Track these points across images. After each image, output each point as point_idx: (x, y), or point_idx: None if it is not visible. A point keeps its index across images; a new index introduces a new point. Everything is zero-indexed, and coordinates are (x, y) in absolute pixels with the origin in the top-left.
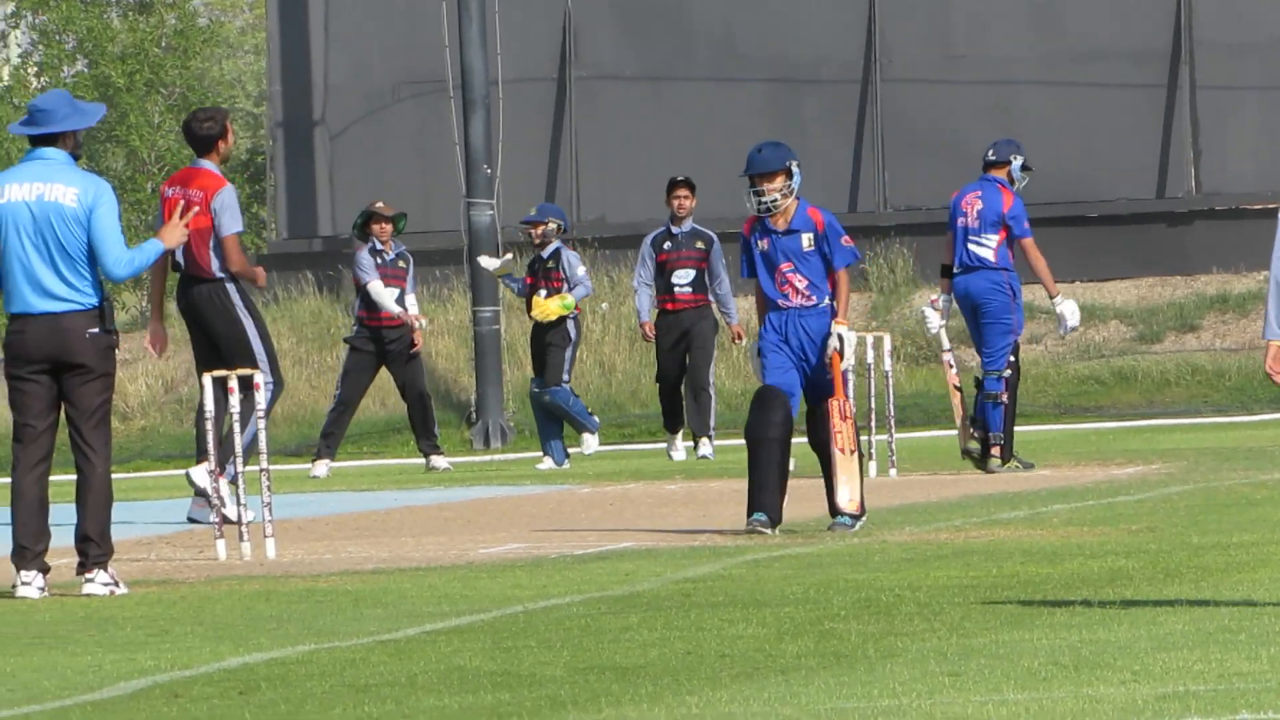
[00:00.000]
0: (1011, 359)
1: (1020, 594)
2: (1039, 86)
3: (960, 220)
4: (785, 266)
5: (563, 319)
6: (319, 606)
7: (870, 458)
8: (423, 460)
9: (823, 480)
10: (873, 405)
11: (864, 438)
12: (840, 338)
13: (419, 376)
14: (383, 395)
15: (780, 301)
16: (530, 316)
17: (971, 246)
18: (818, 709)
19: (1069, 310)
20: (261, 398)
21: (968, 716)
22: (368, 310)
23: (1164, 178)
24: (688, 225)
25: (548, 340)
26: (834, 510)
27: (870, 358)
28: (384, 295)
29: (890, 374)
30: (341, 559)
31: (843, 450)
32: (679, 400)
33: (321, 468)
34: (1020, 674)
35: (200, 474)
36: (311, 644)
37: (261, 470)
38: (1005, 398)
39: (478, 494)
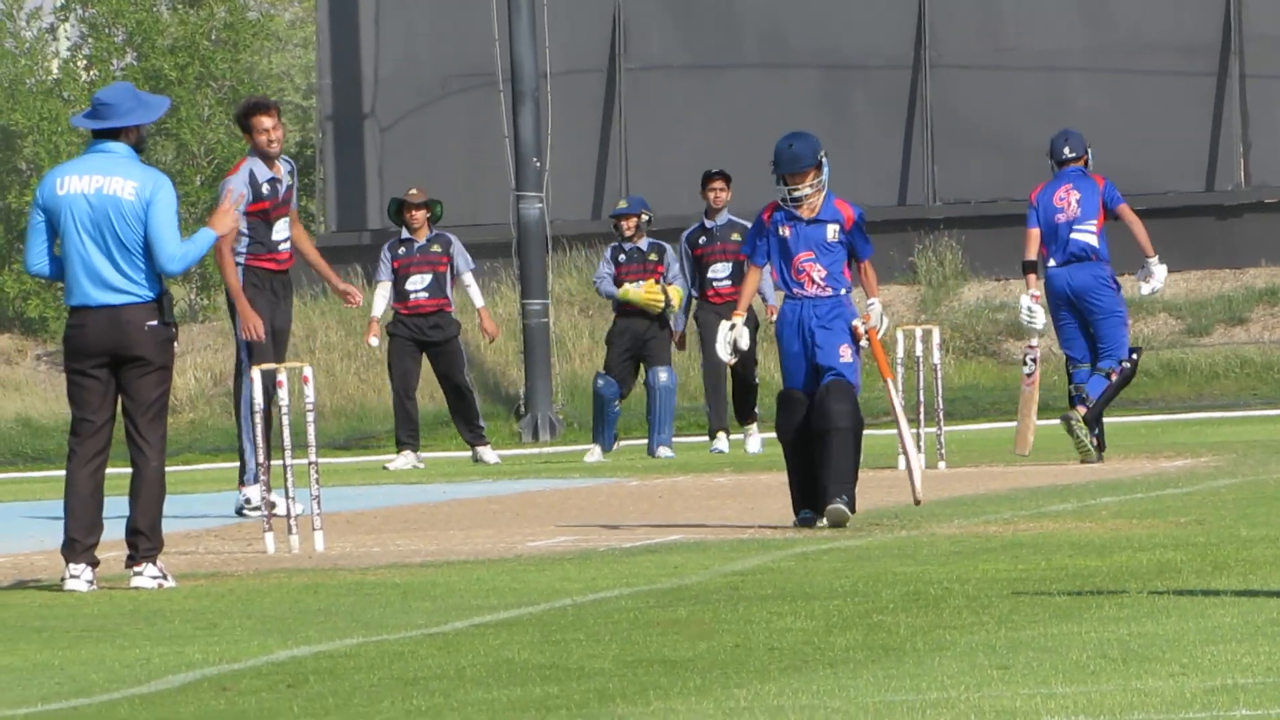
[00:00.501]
0: (1133, 353)
1: (1069, 587)
2: (1088, 79)
3: (1059, 216)
4: (804, 256)
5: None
6: (367, 600)
7: (919, 450)
8: (469, 452)
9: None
10: (921, 398)
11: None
12: (878, 314)
13: (453, 368)
14: (431, 388)
15: (795, 290)
16: (628, 305)
17: (1076, 236)
18: (866, 702)
19: (1160, 273)
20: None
21: (1016, 710)
22: (398, 299)
23: (1213, 170)
24: (723, 218)
25: (648, 334)
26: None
27: (919, 350)
28: (378, 300)
29: (939, 367)
30: (390, 552)
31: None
32: (723, 395)
33: (400, 459)
34: (1069, 667)
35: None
36: (360, 637)
37: (310, 464)
38: (1115, 375)
39: (526, 487)
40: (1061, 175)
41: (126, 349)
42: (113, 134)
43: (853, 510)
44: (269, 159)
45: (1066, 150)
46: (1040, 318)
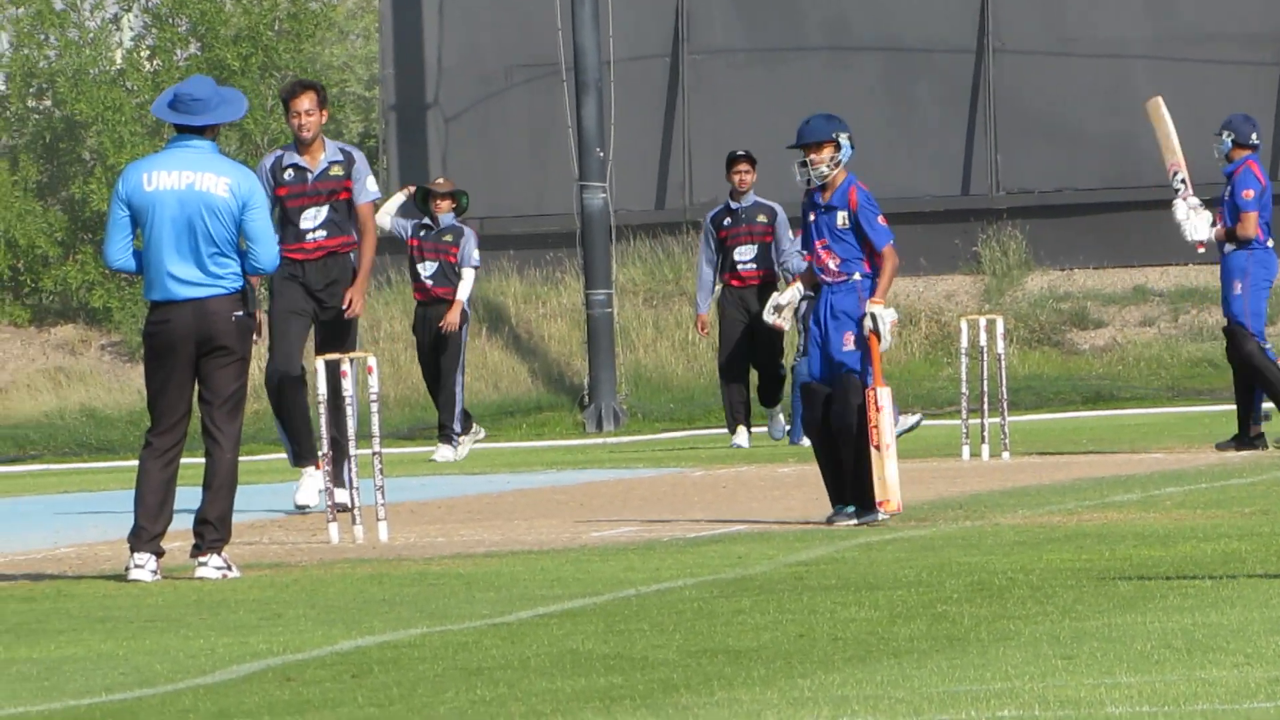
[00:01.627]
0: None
1: (1133, 577)
2: (1151, 68)
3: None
4: (820, 243)
5: None
6: (431, 590)
7: (983, 441)
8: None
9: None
10: (985, 388)
11: (974, 421)
12: (874, 317)
13: (446, 361)
14: (495, 378)
15: (820, 276)
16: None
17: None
18: (930, 692)
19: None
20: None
21: (1080, 699)
22: (416, 285)
23: (1277, 159)
24: (749, 200)
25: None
26: (855, 500)
27: (983, 340)
28: (393, 201)
29: (1003, 357)
30: (454, 542)
31: (877, 447)
32: (745, 386)
33: (439, 452)
34: (1133, 657)
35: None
36: (424, 627)
37: (374, 454)
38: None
39: (590, 477)
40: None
41: (212, 339)
42: (197, 129)
43: (869, 508)
44: (300, 144)
45: (1254, 137)
46: (1201, 229)
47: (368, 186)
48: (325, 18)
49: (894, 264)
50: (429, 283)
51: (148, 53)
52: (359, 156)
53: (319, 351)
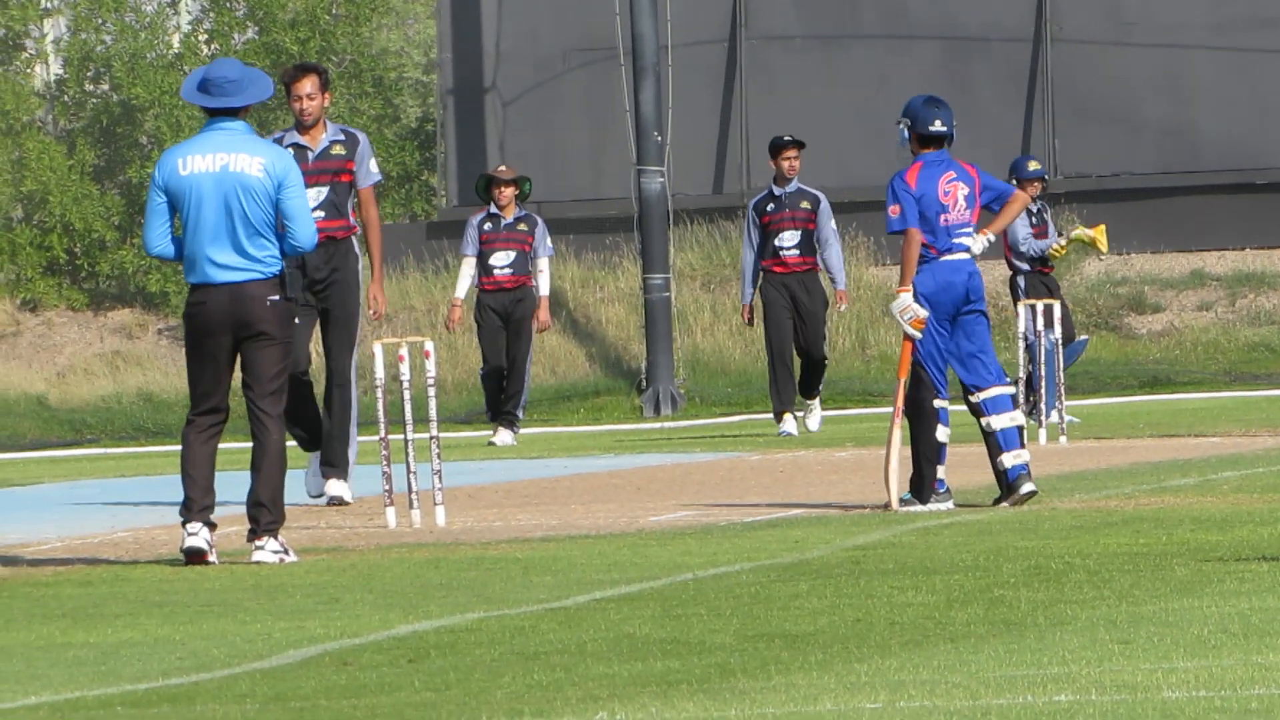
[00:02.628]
0: None
1: (1190, 561)
2: (1209, 54)
3: None
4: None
5: None
6: (488, 574)
7: (1040, 425)
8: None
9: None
10: (1041, 372)
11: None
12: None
13: (519, 350)
14: (553, 363)
15: (959, 252)
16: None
17: None
18: (987, 677)
19: None
20: None
21: (1137, 684)
22: (483, 273)
23: None
24: (793, 185)
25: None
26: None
27: (1040, 325)
28: (464, 278)
29: (1059, 341)
30: (511, 526)
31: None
32: (790, 373)
33: (495, 435)
34: (1190, 641)
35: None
36: (481, 612)
37: (431, 438)
38: None
39: (647, 461)
40: None
41: (249, 324)
42: (230, 110)
43: (923, 500)
44: (301, 128)
45: None
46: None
47: (370, 169)
48: (383, 2)
49: (905, 250)
50: (507, 272)
51: (205, 36)
52: (363, 138)
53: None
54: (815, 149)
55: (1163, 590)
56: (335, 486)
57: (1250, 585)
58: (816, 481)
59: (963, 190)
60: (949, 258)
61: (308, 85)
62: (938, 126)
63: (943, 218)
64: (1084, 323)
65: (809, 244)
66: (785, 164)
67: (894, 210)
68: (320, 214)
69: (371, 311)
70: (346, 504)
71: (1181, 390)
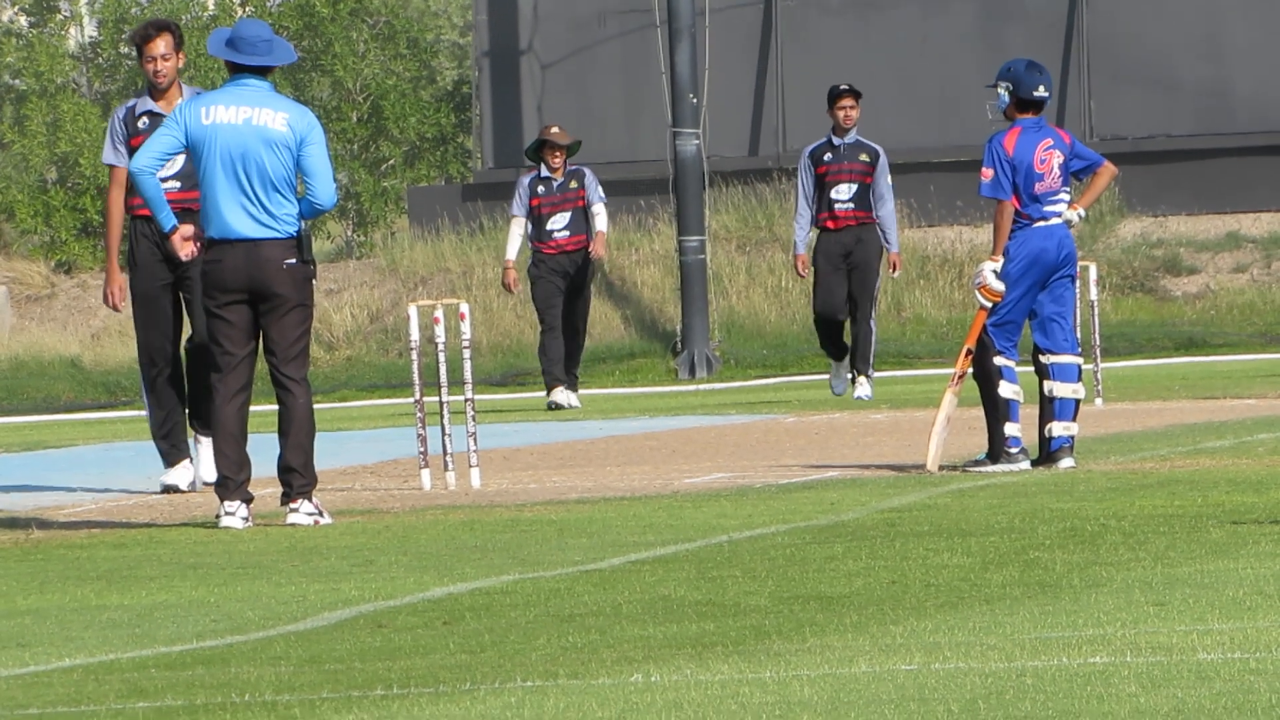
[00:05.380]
0: None
1: (1225, 523)
2: (1246, 15)
3: None
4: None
5: None
6: (523, 536)
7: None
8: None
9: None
10: (1078, 334)
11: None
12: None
13: (576, 312)
14: (589, 324)
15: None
16: None
17: None
18: (1022, 639)
19: None
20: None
21: (1172, 645)
22: (539, 239)
23: None
24: (852, 137)
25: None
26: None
27: (1077, 287)
28: (514, 239)
29: (1095, 303)
30: (546, 488)
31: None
32: (840, 329)
33: (559, 395)
34: (1225, 603)
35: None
36: (516, 574)
37: (467, 400)
38: None
39: (682, 423)
40: None
41: (265, 286)
42: (256, 69)
43: (994, 460)
44: (155, 90)
45: None
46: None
47: None
48: None
49: (996, 219)
50: (565, 234)
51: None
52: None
53: (151, 328)
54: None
55: (1198, 552)
56: (176, 475)
57: None
58: (852, 444)
59: (1057, 158)
60: (1042, 224)
61: (161, 45)
62: (1041, 92)
63: (1037, 185)
64: (1119, 284)
65: (865, 198)
66: (841, 114)
67: (987, 174)
68: (176, 184)
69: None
70: (181, 491)
71: (1217, 352)
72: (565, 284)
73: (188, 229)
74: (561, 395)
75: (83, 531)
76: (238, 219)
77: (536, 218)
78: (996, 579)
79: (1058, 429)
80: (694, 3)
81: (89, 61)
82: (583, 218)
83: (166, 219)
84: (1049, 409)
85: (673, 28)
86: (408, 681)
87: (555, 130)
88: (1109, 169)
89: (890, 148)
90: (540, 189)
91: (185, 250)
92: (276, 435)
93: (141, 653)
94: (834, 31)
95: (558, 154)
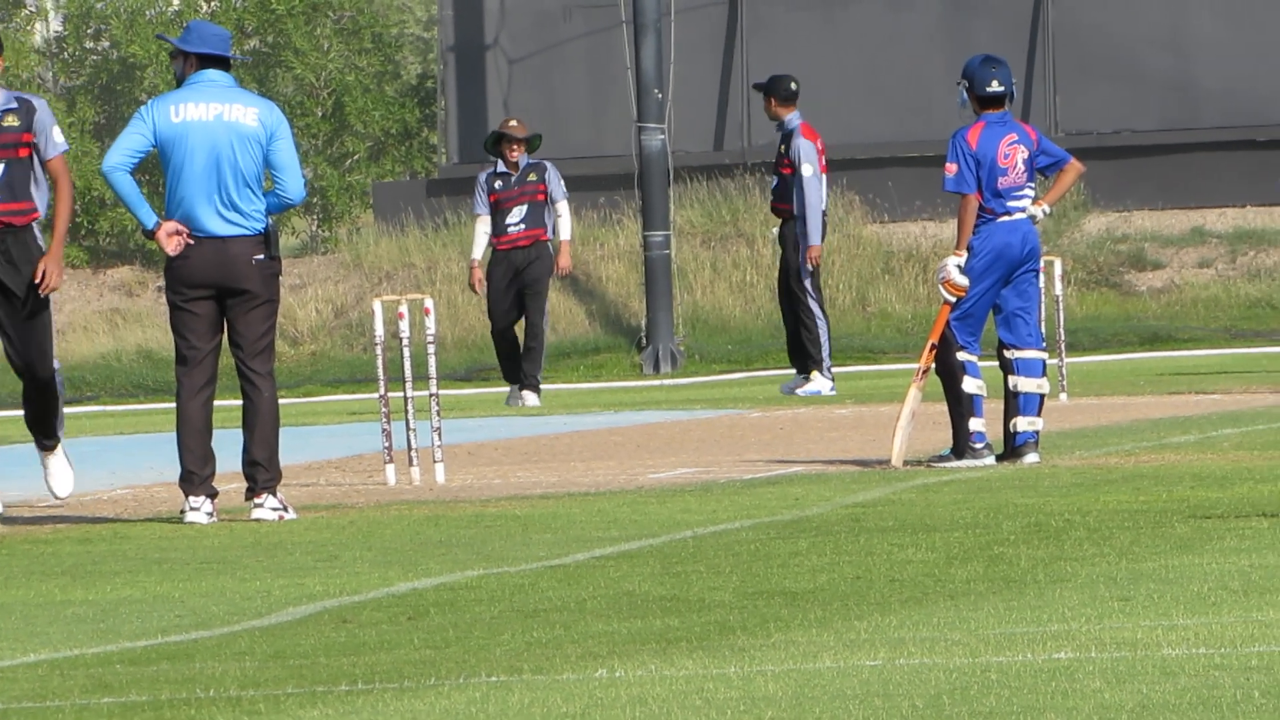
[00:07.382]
0: None
1: (1190, 518)
2: (1212, 10)
3: None
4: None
5: None
6: (488, 531)
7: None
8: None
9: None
10: (1043, 329)
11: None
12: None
13: (534, 309)
14: (553, 320)
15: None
16: None
17: None
18: (987, 634)
19: None
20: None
21: (1137, 641)
22: (495, 233)
23: None
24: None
25: None
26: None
27: (1041, 282)
28: (479, 238)
29: (1060, 298)
30: (510, 484)
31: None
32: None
33: (514, 394)
34: (1189, 599)
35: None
36: (480, 569)
37: (431, 395)
38: None
39: (647, 418)
40: None
41: (233, 282)
42: (219, 63)
43: (958, 455)
44: None
45: None
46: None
47: (54, 138)
48: None
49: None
50: (520, 228)
51: None
52: (40, 104)
53: (10, 344)
54: (816, 106)
55: (1163, 547)
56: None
57: (1250, 542)
58: (816, 439)
59: (1022, 153)
60: (1006, 219)
61: None
62: (994, 87)
63: (1001, 180)
64: (1084, 279)
65: (786, 193)
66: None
67: (950, 169)
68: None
69: (41, 286)
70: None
71: (1182, 347)
72: (515, 279)
73: (171, 224)
74: (522, 398)
75: (47, 527)
76: (207, 216)
77: (495, 213)
78: (961, 574)
79: (1022, 424)
80: None
81: (54, 57)
82: (540, 212)
83: (147, 216)
84: (1013, 404)
85: (638, 23)
86: (372, 677)
87: (514, 123)
88: (1076, 166)
89: (855, 143)
90: (498, 184)
91: (172, 245)
92: (241, 430)
93: (106, 648)
94: (798, 27)
95: (515, 147)
